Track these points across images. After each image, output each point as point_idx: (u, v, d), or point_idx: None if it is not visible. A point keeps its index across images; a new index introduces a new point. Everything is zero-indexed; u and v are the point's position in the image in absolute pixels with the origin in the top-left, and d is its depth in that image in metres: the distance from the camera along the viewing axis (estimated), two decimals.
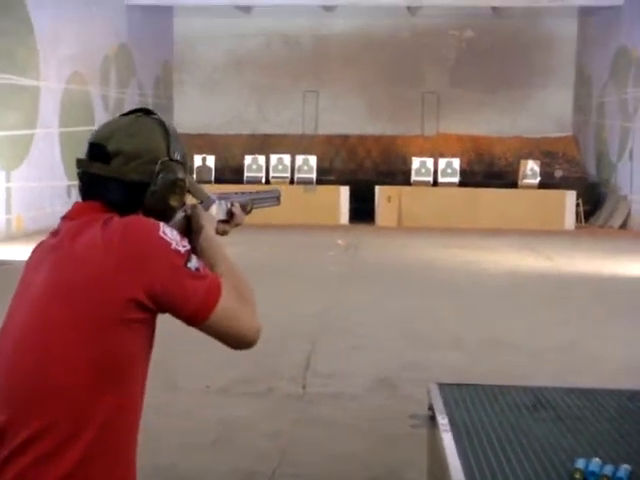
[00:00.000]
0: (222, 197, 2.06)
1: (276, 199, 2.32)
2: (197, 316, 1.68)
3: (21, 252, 11.06)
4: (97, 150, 1.75)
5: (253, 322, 1.74)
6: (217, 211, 2.02)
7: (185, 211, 1.90)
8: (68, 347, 1.63)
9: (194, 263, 1.68)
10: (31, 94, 13.61)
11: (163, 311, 1.70)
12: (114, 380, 1.65)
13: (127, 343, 1.65)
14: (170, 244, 1.67)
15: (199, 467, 3.90)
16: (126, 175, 1.73)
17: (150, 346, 1.74)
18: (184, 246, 1.69)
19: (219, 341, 1.74)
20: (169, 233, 1.68)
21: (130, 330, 1.65)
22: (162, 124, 1.81)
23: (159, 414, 4.34)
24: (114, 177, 1.73)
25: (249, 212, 2.16)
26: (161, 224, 1.70)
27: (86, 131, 14.94)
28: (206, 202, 1.98)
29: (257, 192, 2.27)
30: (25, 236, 12.73)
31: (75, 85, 15.07)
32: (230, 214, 2.06)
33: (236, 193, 2.14)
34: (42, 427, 1.61)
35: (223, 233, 2.02)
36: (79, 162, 1.78)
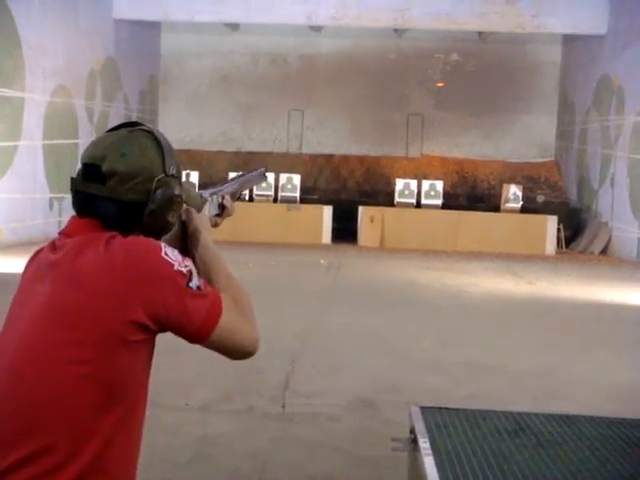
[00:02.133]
0: (213, 192, 2.06)
1: (262, 176, 2.32)
2: (200, 334, 1.70)
3: (0, 264, 10.98)
4: (92, 170, 1.74)
5: (253, 333, 1.79)
6: (209, 208, 2.02)
7: (179, 217, 1.89)
8: (69, 367, 1.61)
9: (195, 282, 1.69)
10: (15, 106, 13.56)
11: (165, 331, 1.70)
12: (115, 401, 1.64)
13: (128, 364, 1.66)
14: (173, 265, 1.67)
15: None
16: (123, 195, 1.72)
17: (150, 365, 1.76)
18: (186, 266, 1.70)
19: (220, 354, 1.76)
20: (171, 254, 1.69)
21: (131, 351, 1.65)
22: (155, 138, 1.79)
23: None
24: (111, 197, 1.72)
25: (238, 197, 2.16)
26: (162, 245, 1.70)
27: (70, 144, 14.90)
28: (199, 204, 1.98)
29: (243, 175, 2.26)
30: (5, 248, 12.65)
31: (60, 98, 15.03)
32: (222, 207, 2.06)
33: (225, 183, 2.14)
34: (41, 445, 1.60)
35: (215, 225, 2.03)
36: (73, 181, 1.77)
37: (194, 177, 16.88)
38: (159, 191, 1.74)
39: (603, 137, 17.42)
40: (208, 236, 1.88)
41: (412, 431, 2.57)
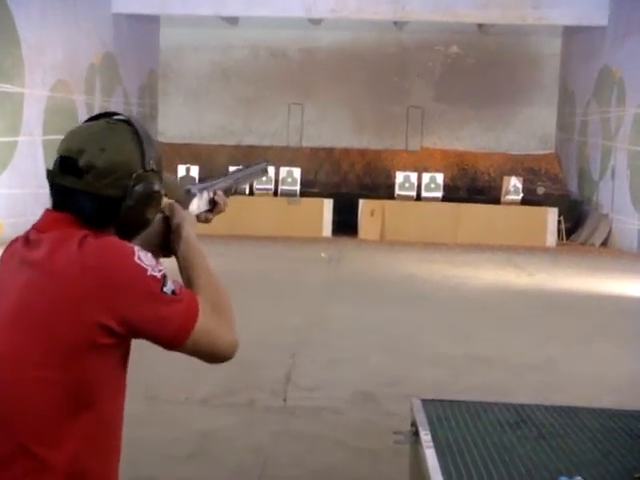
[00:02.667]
0: (204, 187, 2.00)
1: (263, 172, 2.26)
2: (174, 341, 1.64)
3: None
4: (68, 163, 1.69)
5: (230, 337, 1.70)
6: (198, 204, 1.96)
7: (163, 211, 1.84)
8: (35, 371, 1.58)
9: (170, 286, 1.63)
10: (15, 101, 13.54)
11: (138, 337, 1.65)
12: (85, 404, 1.60)
13: (97, 368, 1.61)
14: (146, 270, 1.61)
15: (178, 479, 3.87)
16: (100, 190, 1.67)
17: (124, 367, 1.70)
18: (160, 270, 1.64)
19: (197, 358, 1.71)
20: (144, 258, 1.63)
21: (100, 354, 1.60)
22: (134, 131, 1.72)
23: (138, 425, 4.30)
24: (87, 191, 1.67)
25: (235, 193, 2.11)
26: (136, 249, 1.64)
27: None
28: (186, 198, 1.92)
29: (241, 169, 2.21)
30: (5, 243, 12.63)
31: (60, 93, 15.01)
32: (213, 202, 2.00)
33: (220, 177, 2.09)
34: (13, 450, 1.57)
35: (206, 221, 1.98)
36: (49, 173, 1.73)
37: (194, 171, 16.86)
38: (137, 187, 1.68)
39: (603, 129, 17.39)
40: (191, 232, 1.82)
41: (413, 424, 2.56)
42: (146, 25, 19.20)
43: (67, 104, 15.28)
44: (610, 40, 17.21)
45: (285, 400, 5.21)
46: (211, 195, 2.00)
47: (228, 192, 2.07)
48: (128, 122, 1.74)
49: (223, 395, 5.25)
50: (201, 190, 1.98)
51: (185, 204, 1.92)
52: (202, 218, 1.96)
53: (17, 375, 1.59)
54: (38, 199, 13.84)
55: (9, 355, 1.60)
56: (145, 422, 4.50)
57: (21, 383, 1.59)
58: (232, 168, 17.15)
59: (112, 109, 17.06)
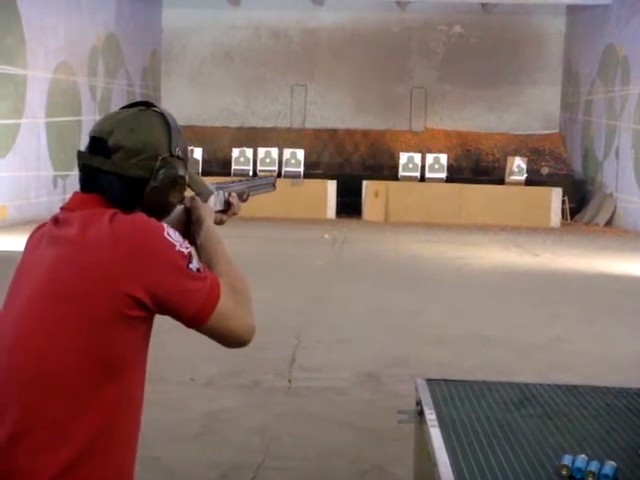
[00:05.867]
0: (220, 187, 2.06)
1: (272, 185, 2.34)
2: (197, 319, 1.69)
3: (5, 242, 10.99)
4: (98, 144, 1.74)
5: (248, 321, 1.74)
6: (215, 202, 2.02)
7: (184, 204, 1.90)
8: (68, 340, 1.62)
9: (195, 264, 1.69)
10: (18, 83, 13.52)
11: (162, 312, 1.69)
12: (111, 376, 1.64)
13: (125, 340, 1.65)
14: (174, 246, 1.67)
15: (183, 460, 3.89)
16: (127, 170, 1.72)
17: (147, 344, 1.74)
18: (187, 247, 1.70)
19: (214, 340, 1.74)
20: (173, 235, 1.69)
21: (129, 327, 1.65)
22: (164, 118, 1.79)
23: (144, 406, 4.31)
24: (114, 172, 1.72)
25: (245, 200, 2.17)
26: (165, 225, 1.71)
27: (73, 121, 14.86)
28: (205, 194, 1.97)
29: (253, 179, 2.29)
30: (10, 226, 12.66)
31: (62, 75, 14.98)
32: (227, 204, 2.06)
33: (233, 182, 2.15)
34: (37, 420, 1.61)
35: (220, 222, 2.03)
36: (80, 154, 1.77)
37: (198, 153, 16.84)
38: (162, 170, 1.74)
39: (608, 108, 17.32)
40: (212, 223, 1.89)
41: (418, 403, 2.57)
42: (148, 6, 19.14)
43: (70, 86, 15.25)
44: (615, 19, 17.11)
45: (290, 381, 5.23)
46: (226, 196, 2.07)
47: (240, 197, 2.13)
48: (160, 112, 1.81)
49: (228, 376, 5.27)
50: (218, 189, 2.05)
51: (204, 200, 1.97)
52: (217, 219, 2.01)
53: (48, 345, 1.63)
54: (41, 182, 13.86)
55: (41, 325, 1.64)
56: (151, 403, 4.50)
57: (52, 353, 1.62)
58: (235, 150, 17.16)
59: (115, 91, 17.07)
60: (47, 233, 1.74)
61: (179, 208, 1.90)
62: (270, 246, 12.14)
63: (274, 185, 2.34)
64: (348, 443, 4.16)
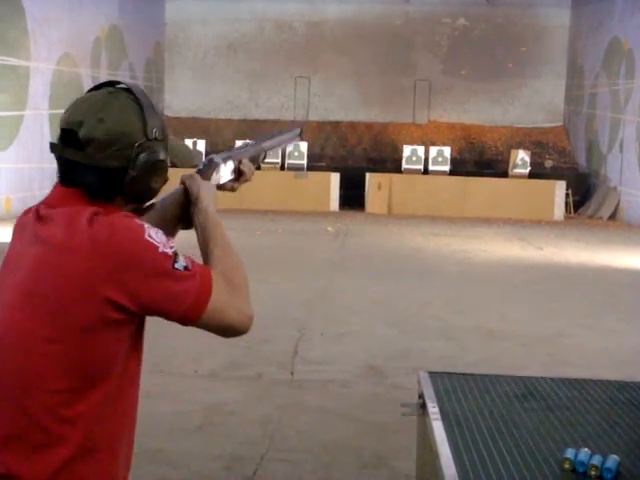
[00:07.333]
0: (227, 157, 1.94)
1: (296, 137, 2.18)
2: (188, 317, 1.63)
3: (9, 234, 11.00)
4: (69, 136, 1.66)
5: (244, 311, 1.68)
6: (222, 173, 1.91)
7: (183, 183, 1.82)
8: (49, 346, 1.58)
9: (181, 262, 1.61)
10: (21, 75, 13.51)
11: (150, 314, 1.64)
12: (98, 379, 1.60)
13: (109, 342, 1.60)
14: (157, 247, 1.59)
15: (186, 451, 3.89)
16: (102, 162, 1.64)
17: (139, 343, 1.69)
18: (171, 247, 1.62)
19: (211, 333, 1.70)
20: (154, 235, 1.61)
21: (112, 330, 1.59)
22: (135, 99, 1.68)
23: (146, 398, 4.31)
24: (90, 164, 1.64)
25: (264, 159, 2.04)
26: (146, 226, 1.62)
27: None
28: (208, 167, 1.88)
29: (271, 135, 2.13)
30: (13, 218, 12.65)
31: (65, 67, 14.96)
32: (239, 172, 1.95)
33: (247, 145, 2.02)
34: (25, 425, 1.58)
35: (232, 190, 1.94)
36: (53, 146, 1.69)
37: (201, 145, 16.83)
38: (140, 157, 1.65)
39: (612, 101, 17.27)
40: (210, 204, 1.79)
41: (421, 396, 2.57)
42: None
43: (73, 78, 15.24)
44: (619, 11, 17.05)
45: (293, 373, 5.23)
46: (236, 164, 1.94)
47: (256, 160, 2.01)
48: (130, 90, 1.70)
49: (231, 368, 5.27)
50: (225, 159, 1.92)
51: (207, 174, 1.87)
52: (228, 187, 1.92)
53: (29, 351, 1.59)
54: (44, 174, 13.85)
55: (21, 331, 1.60)
56: (154, 395, 4.53)
57: (33, 359, 1.59)
58: (238, 142, 17.13)
59: None
60: (31, 227, 1.68)
61: (177, 188, 1.81)
62: (273, 239, 12.14)
63: (300, 136, 2.19)
64: (351, 435, 4.16)
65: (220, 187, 1.93)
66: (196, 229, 1.77)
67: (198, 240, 1.77)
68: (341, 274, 9.12)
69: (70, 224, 1.61)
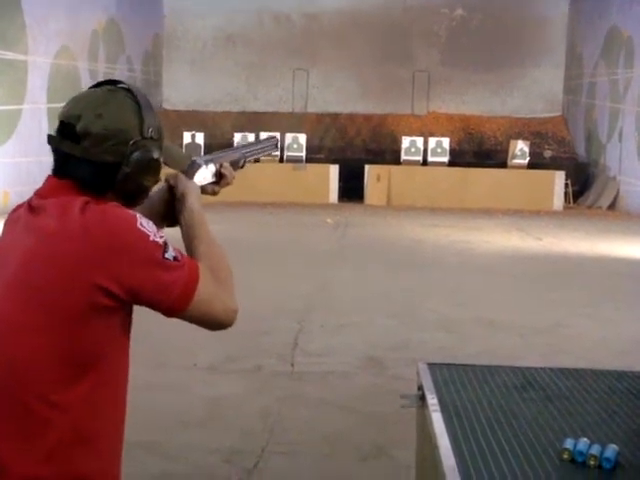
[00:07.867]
0: (209, 159, 1.97)
1: (273, 147, 2.24)
2: (175, 307, 1.65)
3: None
4: (66, 128, 1.69)
5: (229, 304, 1.71)
6: (204, 175, 1.94)
7: (168, 181, 1.85)
8: (39, 334, 1.59)
9: (171, 252, 1.64)
10: (19, 68, 13.48)
11: (138, 303, 1.66)
12: (88, 367, 1.62)
13: (99, 330, 1.62)
14: (148, 236, 1.62)
15: (186, 444, 3.90)
16: (97, 156, 1.67)
17: (126, 333, 1.70)
18: (161, 237, 1.65)
19: (197, 325, 1.72)
20: (146, 225, 1.64)
21: (101, 317, 1.61)
22: (134, 98, 1.72)
23: (146, 391, 4.33)
24: (85, 157, 1.67)
25: (242, 166, 2.08)
26: (138, 215, 1.65)
27: None
28: (190, 168, 1.91)
29: (251, 143, 2.19)
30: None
31: (63, 60, 14.94)
32: (219, 175, 1.98)
33: (227, 150, 2.07)
34: (18, 413, 1.59)
35: (213, 193, 1.97)
36: (50, 138, 1.73)
37: (200, 138, 16.82)
38: (135, 154, 1.68)
39: (611, 91, 17.25)
40: (195, 202, 1.82)
41: (420, 388, 2.57)
42: None
43: (71, 71, 15.21)
44: (618, 0, 17.01)
45: (292, 365, 5.24)
46: (217, 167, 1.97)
47: (236, 165, 2.04)
48: (129, 90, 1.74)
49: (230, 361, 5.28)
50: (207, 162, 1.96)
51: (190, 175, 1.90)
52: (209, 190, 1.95)
53: (21, 342, 1.60)
54: (43, 167, 13.83)
55: (13, 322, 1.61)
56: (153, 388, 4.53)
57: (24, 348, 1.60)
58: (237, 135, 17.12)
59: (116, 76, 16.99)
60: (23, 218, 1.71)
61: (162, 186, 1.83)
62: (272, 231, 12.13)
63: (276, 146, 2.24)
64: (351, 427, 4.17)
65: (202, 189, 1.95)
66: (181, 226, 1.80)
67: (183, 237, 1.79)
68: (340, 266, 9.13)
69: (63, 213, 1.64)
